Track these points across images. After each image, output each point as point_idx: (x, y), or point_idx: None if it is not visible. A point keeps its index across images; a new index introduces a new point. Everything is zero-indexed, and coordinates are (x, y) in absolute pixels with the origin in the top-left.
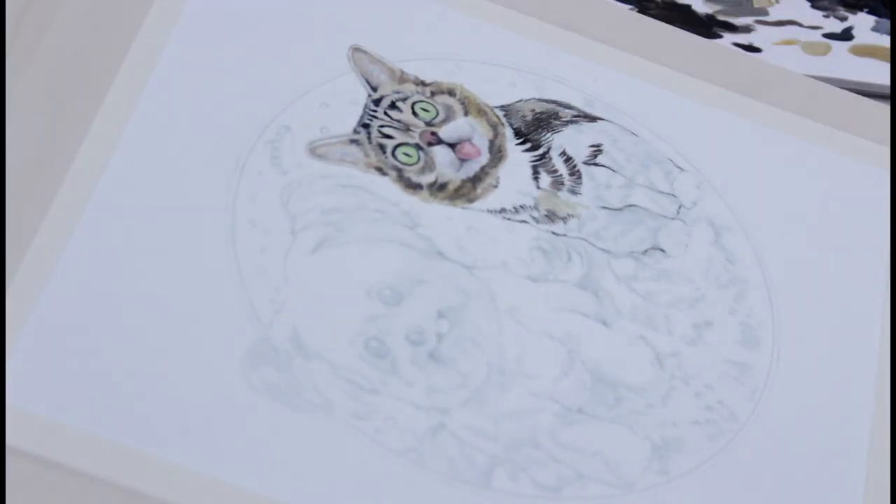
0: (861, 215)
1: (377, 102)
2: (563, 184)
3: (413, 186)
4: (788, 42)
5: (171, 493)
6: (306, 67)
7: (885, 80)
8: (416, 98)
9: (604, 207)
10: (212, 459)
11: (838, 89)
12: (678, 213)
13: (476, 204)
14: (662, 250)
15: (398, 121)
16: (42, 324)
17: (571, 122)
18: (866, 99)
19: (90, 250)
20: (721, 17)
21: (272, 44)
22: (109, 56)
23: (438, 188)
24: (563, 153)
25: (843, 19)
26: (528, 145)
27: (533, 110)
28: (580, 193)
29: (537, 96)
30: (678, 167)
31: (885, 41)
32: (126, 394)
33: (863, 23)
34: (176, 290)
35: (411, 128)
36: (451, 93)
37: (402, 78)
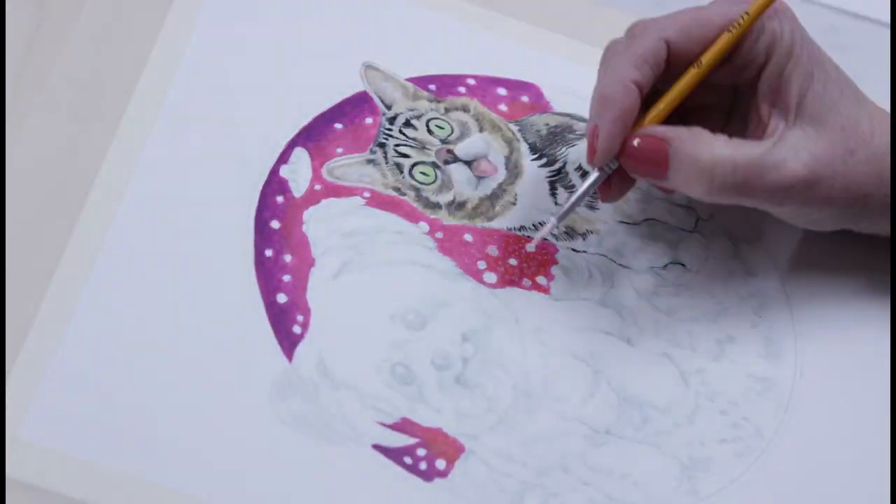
0: None
1: (392, 121)
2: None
3: (432, 206)
4: None
5: None
6: (319, 85)
7: None
8: (430, 115)
9: (622, 222)
10: (242, 494)
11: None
12: (696, 225)
13: (495, 222)
14: (682, 265)
15: (414, 139)
16: (66, 360)
17: (585, 134)
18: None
19: (111, 286)
20: None
21: (284, 64)
22: (121, 82)
23: (457, 207)
24: (579, 167)
25: None
26: (543, 160)
27: (547, 124)
28: (598, 208)
29: (552, 110)
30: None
31: None
32: (154, 431)
33: None
34: (200, 324)
35: (427, 146)
36: (465, 109)
37: (416, 95)
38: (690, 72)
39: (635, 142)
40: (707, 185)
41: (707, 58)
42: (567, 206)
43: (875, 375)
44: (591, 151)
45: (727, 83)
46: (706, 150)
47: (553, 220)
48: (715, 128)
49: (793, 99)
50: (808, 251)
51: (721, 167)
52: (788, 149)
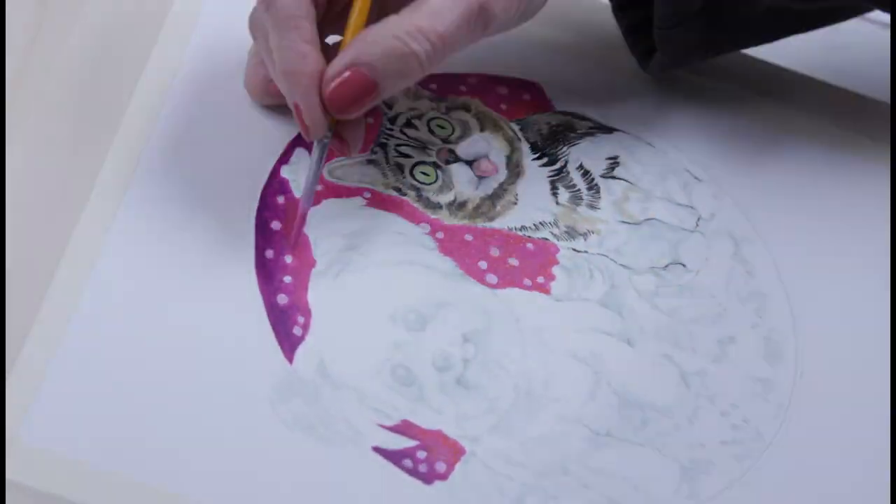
0: (881, 222)
1: (393, 121)
2: (581, 199)
3: (433, 206)
4: None
5: None
6: None
7: None
8: (431, 115)
9: (623, 222)
10: (243, 496)
11: (850, 91)
12: (697, 225)
13: (496, 222)
14: (683, 265)
15: (415, 139)
16: (67, 360)
17: (587, 133)
18: (875, 100)
19: (112, 287)
20: None
21: None
22: (122, 81)
23: (458, 207)
24: (581, 166)
25: None
26: (545, 160)
27: (549, 123)
28: (599, 208)
29: (553, 108)
30: (695, 178)
31: None
32: (154, 433)
33: None
34: (200, 325)
35: (428, 146)
36: (466, 108)
37: (417, 94)
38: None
39: (332, 85)
40: (418, 68)
41: None
42: (305, 184)
43: (875, 376)
44: (304, 129)
45: None
46: (385, 31)
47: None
48: None
49: None
50: (808, 251)
51: (417, 44)
52: None
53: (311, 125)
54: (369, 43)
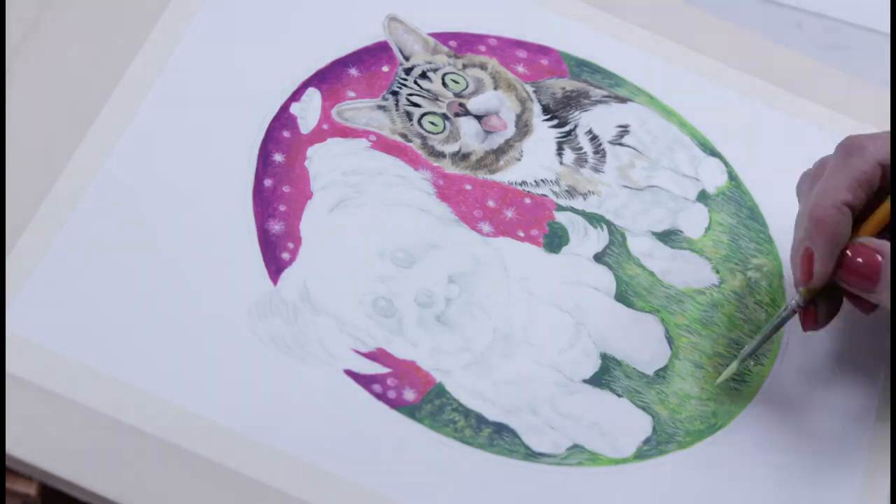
0: None
1: (408, 71)
2: (586, 161)
3: (436, 154)
4: None
5: (168, 432)
6: (341, 32)
7: None
8: (447, 69)
9: (625, 186)
10: (211, 403)
11: (871, 84)
12: (699, 196)
13: (497, 175)
14: (680, 231)
15: (427, 90)
16: (57, 260)
17: (601, 101)
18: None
19: (110, 195)
20: None
21: (311, 6)
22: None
23: (461, 158)
24: (590, 132)
25: None
26: (555, 122)
27: (563, 88)
28: (603, 171)
29: (570, 76)
30: (704, 152)
31: None
32: (132, 333)
33: None
34: (192, 239)
35: (440, 98)
36: (482, 66)
37: (436, 49)
38: None
39: (849, 251)
40: None
41: None
42: (758, 340)
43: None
44: (806, 274)
45: None
46: None
47: (735, 361)
48: None
49: None
50: None
51: None
52: None
53: (817, 275)
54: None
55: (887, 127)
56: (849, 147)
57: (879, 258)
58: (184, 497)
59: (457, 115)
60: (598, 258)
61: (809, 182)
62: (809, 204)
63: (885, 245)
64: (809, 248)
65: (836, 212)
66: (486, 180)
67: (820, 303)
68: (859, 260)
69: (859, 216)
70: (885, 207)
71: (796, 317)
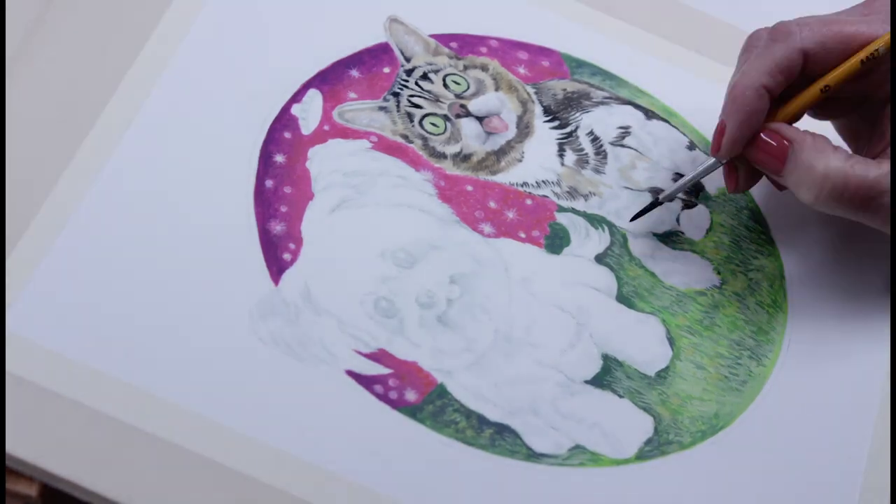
0: None
1: (409, 73)
2: (587, 162)
3: (437, 156)
4: None
5: (169, 432)
6: (342, 34)
7: None
8: (448, 71)
9: (626, 188)
10: (212, 403)
11: None
12: (700, 197)
13: (499, 176)
14: (682, 233)
15: (428, 91)
16: (58, 261)
17: (602, 103)
18: None
19: (111, 196)
20: None
21: (312, 7)
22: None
23: (462, 159)
24: (591, 133)
25: None
26: (556, 123)
27: (564, 89)
28: (604, 173)
29: (569, 77)
30: (705, 154)
31: None
32: (133, 333)
33: None
34: (194, 239)
35: (441, 99)
36: (483, 68)
37: (437, 51)
38: (814, 90)
39: (762, 134)
40: (815, 195)
41: (834, 82)
42: (675, 186)
43: (862, 356)
44: (716, 145)
45: (857, 95)
46: (822, 160)
47: (658, 198)
48: (844, 135)
49: None
50: (809, 233)
51: (832, 181)
52: None
53: (724, 148)
54: (813, 145)
55: None
56: (777, 32)
57: (787, 143)
58: (184, 497)
59: (458, 116)
60: (600, 259)
61: (741, 59)
62: (731, 82)
63: (798, 133)
64: (723, 122)
65: (753, 93)
66: (487, 181)
67: (740, 167)
68: (771, 143)
69: (782, 97)
70: (804, 97)
71: (807, 320)
